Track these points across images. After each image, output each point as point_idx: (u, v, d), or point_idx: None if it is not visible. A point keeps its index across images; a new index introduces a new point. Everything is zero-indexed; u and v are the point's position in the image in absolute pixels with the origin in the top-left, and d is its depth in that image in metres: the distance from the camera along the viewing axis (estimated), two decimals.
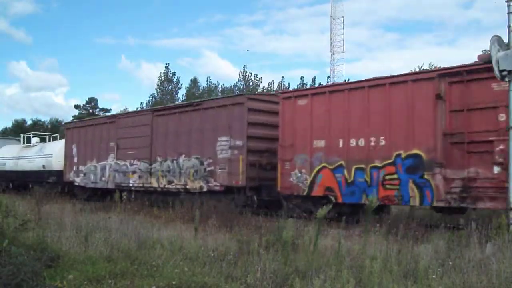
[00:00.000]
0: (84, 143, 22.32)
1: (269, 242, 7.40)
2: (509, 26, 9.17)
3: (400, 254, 6.64)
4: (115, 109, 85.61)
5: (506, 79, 9.02)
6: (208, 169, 15.84)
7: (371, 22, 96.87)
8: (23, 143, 30.76)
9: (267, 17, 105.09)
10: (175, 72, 47.17)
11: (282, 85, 41.87)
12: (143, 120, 19.05)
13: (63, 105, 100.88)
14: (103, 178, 20.68)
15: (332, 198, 12.68)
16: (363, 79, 13.27)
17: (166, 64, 57.68)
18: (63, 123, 42.24)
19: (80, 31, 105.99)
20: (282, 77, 59.11)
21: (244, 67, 44.98)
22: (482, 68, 10.04)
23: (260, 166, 14.96)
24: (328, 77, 50.00)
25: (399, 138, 11.67)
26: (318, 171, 13.19)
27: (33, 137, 30.37)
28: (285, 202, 13.95)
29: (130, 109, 47.20)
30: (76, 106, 61.44)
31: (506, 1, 9.19)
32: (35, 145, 28.16)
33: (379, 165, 11.95)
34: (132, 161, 19.25)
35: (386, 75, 12.72)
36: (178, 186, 16.95)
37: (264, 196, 15.04)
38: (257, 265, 6.19)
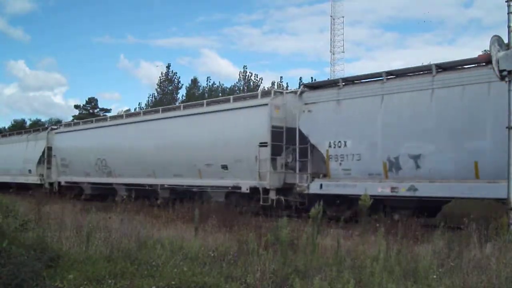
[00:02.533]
0: None
1: (269, 242, 7.40)
2: (509, 26, 9.17)
3: (400, 254, 6.64)
4: (115, 109, 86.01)
5: (506, 79, 9.02)
6: None
7: (370, 21, 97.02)
8: None
9: (266, 16, 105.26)
10: (176, 73, 47.22)
11: (281, 85, 41.80)
12: None
13: (62, 105, 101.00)
14: None
15: None
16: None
17: (167, 64, 57.83)
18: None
19: (78, 30, 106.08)
20: (281, 77, 59.09)
21: (244, 67, 44.97)
22: None
23: None
24: (328, 78, 49.77)
25: None
26: None
27: None
28: None
29: (131, 110, 47.24)
30: (76, 106, 61.53)
31: (506, 1, 9.19)
32: None
33: None
34: None
35: None
36: None
37: None
38: (257, 265, 6.19)
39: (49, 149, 26.31)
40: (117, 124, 22.63)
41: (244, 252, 7.12)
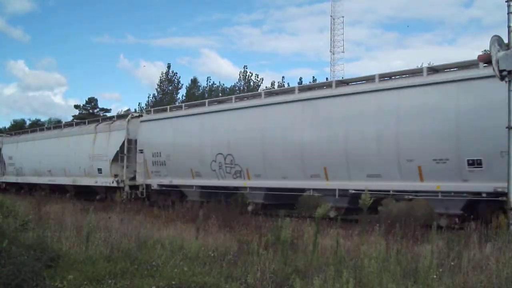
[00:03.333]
0: None
1: (269, 242, 7.41)
2: (509, 26, 9.17)
3: (399, 254, 6.65)
4: (115, 109, 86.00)
5: (506, 79, 9.02)
6: None
7: (370, 21, 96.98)
8: None
9: (266, 16, 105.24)
10: (176, 73, 47.19)
11: (282, 86, 41.80)
12: None
13: (62, 105, 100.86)
14: None
15: None
16: None
17: (168, 64, 58.01)
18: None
19: (78, 30, 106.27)
20: (283, 77, 59.03)
21: (244, 67, 45.04)
22: None
23: None
24: (327, 78, 49.80)
25: None
26: None
27: None
28: None
29: (132, 110, 47.16)
30: (76, 106, 61.42)
31: (506, 1, 9.19)
32: None
33: None
34: None
35: None
36: None
37: None
38: (257, 265, 6.20)
39: (129, 142, 20.22)
40: (255, 106, 15.66)
41: (244, 252, 7.13)
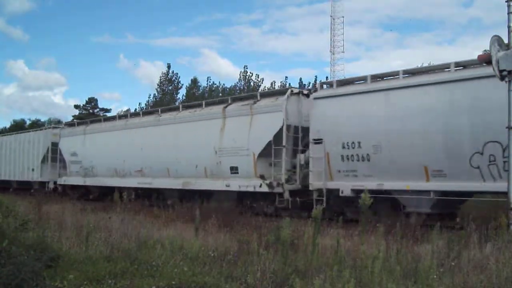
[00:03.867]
0: None
1: (269, 242, 7.41)
2: (509, 26, 9.17)
3: (400, 254, 6.65)
4: (115, 109, 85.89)
5: (506, 79, 9.02)
6: None
7: (370, 21, 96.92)
8: None
9: (266, 16, 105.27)
10: (177, 73, 47.20)
11: (284, 86, 41.82)
12: None
13: (62, 105, 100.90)
14: None
15: None
16: None
17: (168, 64, 58.04)
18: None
19: (78, 30, 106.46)
20: (286, 77, 58.85)
21: (244, 67, 45.05)
22: None
23: None
24: (327, 77, 49.76)
25: None
26: None
27: None
28: None
29: (132, 110, 47.05)
30: (76, 106, 61.45)
31: (506, 1, 9.19)
32: None
33: None
34: None
35: None
36: None
37: None
38: (257, 265, 6.20)
39: (287, 129, 14.32)
40: None
41: (244, 252, 7.13)
